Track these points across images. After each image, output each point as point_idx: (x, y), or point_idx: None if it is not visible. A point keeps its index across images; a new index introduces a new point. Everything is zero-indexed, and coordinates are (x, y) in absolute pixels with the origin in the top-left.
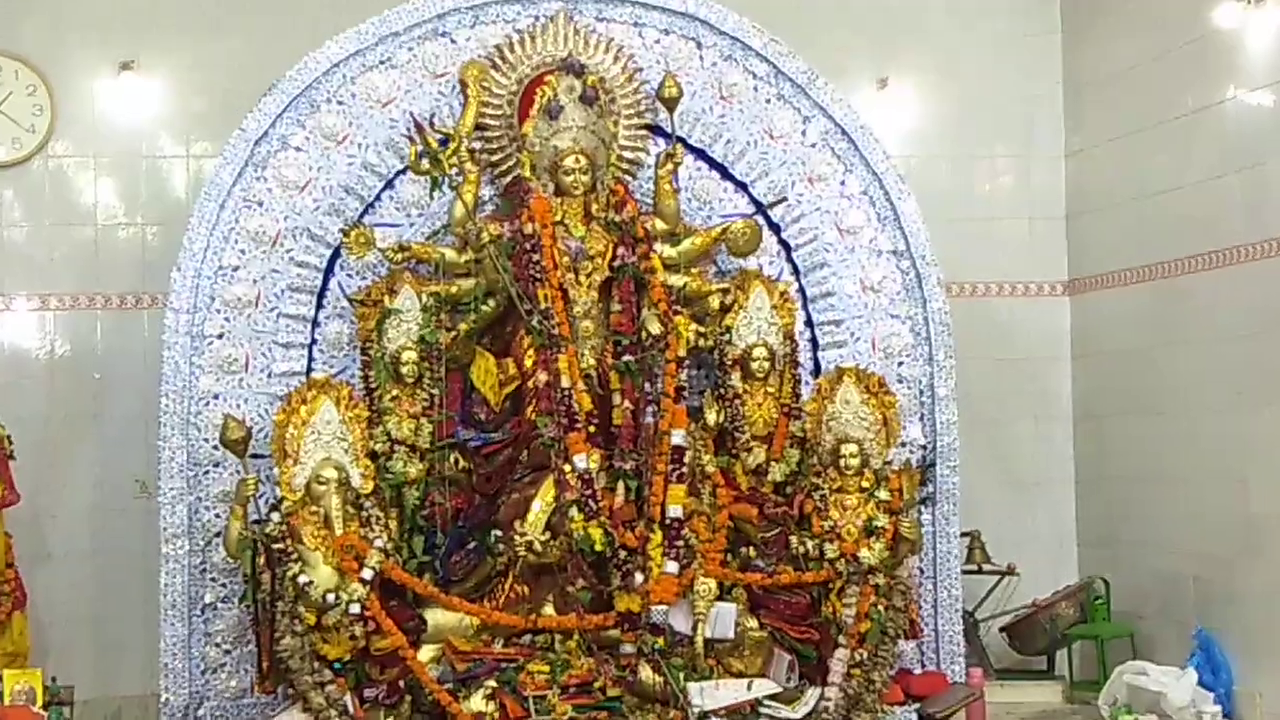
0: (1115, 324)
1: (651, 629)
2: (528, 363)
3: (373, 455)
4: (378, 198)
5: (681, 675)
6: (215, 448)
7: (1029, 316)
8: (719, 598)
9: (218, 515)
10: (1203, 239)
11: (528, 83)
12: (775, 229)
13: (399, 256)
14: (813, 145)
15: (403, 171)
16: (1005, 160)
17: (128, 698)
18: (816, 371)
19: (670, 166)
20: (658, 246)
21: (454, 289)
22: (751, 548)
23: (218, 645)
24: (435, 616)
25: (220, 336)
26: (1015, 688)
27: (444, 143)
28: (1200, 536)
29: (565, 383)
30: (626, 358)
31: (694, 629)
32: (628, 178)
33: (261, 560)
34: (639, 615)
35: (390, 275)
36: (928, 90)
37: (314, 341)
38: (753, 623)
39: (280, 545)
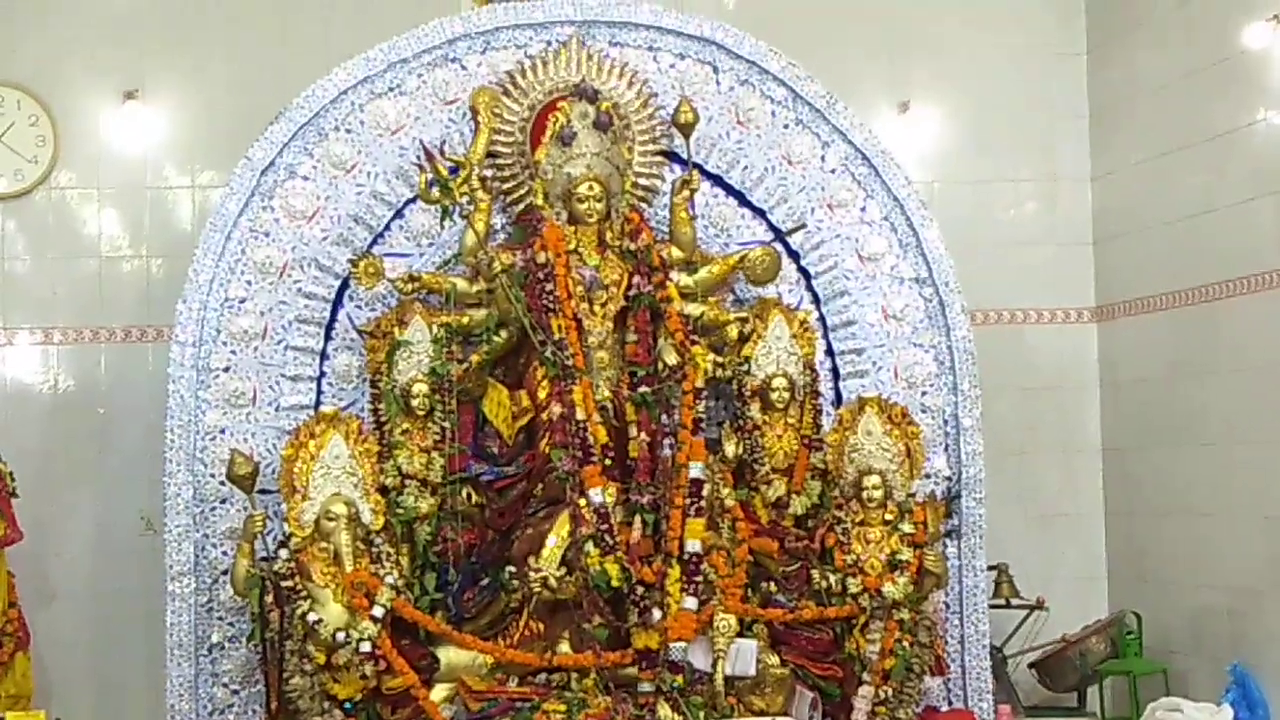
0: (1144, 352)
1: (670, 666)
2: (541, 395)
3: (383, 490)
4: (387, 227)
5: (701, 714)
6: (222, 483)
7: (1055, 344)
8: (739, 634)
9: (225, 552)
10: (1234, 264)
11: (540, 109)
12: (794, 256)
13: (409, 287)
14: (832, 171)
15: (412, 200)
16: (1030, 184)
17: None
18: (838, 402)
19: (686, 193)
20: (674, 275)
21: (465, 320)
22: (772, 583)
23: (225, 685)
24: (448, 655)
25: (226, 370)
26: None
27: (454, 171)
28: (1234, 570)
29: (580, 415)
30: (643, 389)
31: (714, 666)
32: (643, 205)
33: (270, 598)
34: (657, 652)
35: (400, 306)
36: (950, 113)
37: (322, 374)
38: (774, 659)
39: (289, 583)
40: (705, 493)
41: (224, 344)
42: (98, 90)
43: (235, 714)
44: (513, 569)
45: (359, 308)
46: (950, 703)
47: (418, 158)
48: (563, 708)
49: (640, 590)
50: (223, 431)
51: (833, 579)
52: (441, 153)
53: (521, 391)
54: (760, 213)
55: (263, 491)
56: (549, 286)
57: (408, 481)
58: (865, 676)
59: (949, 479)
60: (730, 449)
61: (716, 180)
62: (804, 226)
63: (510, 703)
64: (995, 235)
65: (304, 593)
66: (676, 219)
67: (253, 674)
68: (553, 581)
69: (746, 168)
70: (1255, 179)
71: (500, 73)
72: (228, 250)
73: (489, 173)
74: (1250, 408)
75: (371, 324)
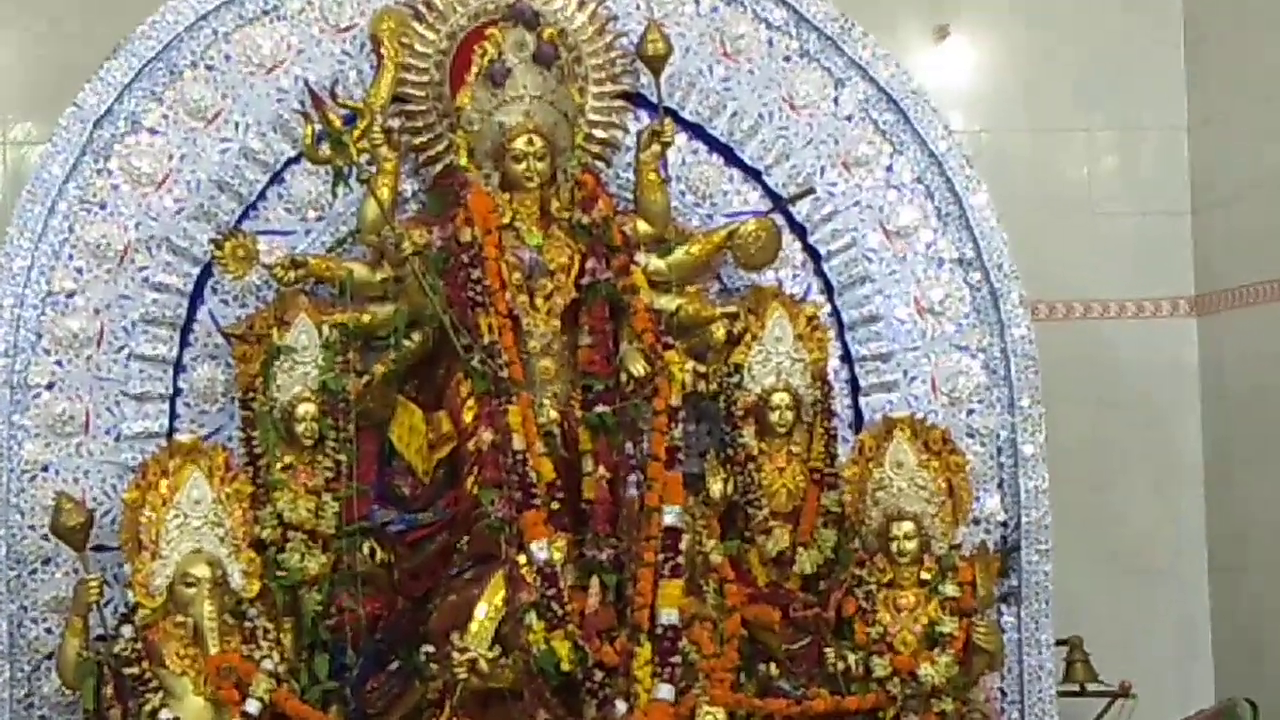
0: (1259, 354)
1: None
2: (467, 417)
3: (259, 545)
4: (262, 195)
5: None
6: (45, 538)
7: (1143, 345)
8: None
9: (49, 630)
10: None
11: (463, 38)
12: (799, 232)
13: (291, 275)
14: (848, 118)
15: (296, 160)
16: (1108, 134)
17: None
18: (858, 425)
19: (657, 148)
20: (640, 257)
21: (366, 318)
22: (773, 664)
23: None
24: None
25: (50, 387)
26: None
27: (350, 120)
28: None
29: (518, 444)
30: (601, 409)
31: None
32: (599, 165)
33: (109, 690)
34: None
35: (280, 301)
36: (1002, 41)
37: (177, 392)
38: None
39: (134, 670)
40: (684, 546)
41: (46, 352)
42: None
43: None
44: (431, 649)
45: (225, 303)
46: None
47: (302, 103)
48: None
49: (599, 675)
50: (45, 469)
51: (853, 659)
52: (333, 97)
53: (441, 413)
54: (754, 174)
55: (99, 549)
56: (476, 273)
57: (291, 534)
58: None
59: (1004, 525)
60: (717, 488)
61: (696, 131)
62: (812, 191)
63: None
64: (1063, 203)
65: (154, 683)
66: (644, 183)
67: None
68: (484, 665)
69: (735, 114)
70: None
71: None
72: (50, 228)
73: (396, 123)
74: None
75: (242, 325)
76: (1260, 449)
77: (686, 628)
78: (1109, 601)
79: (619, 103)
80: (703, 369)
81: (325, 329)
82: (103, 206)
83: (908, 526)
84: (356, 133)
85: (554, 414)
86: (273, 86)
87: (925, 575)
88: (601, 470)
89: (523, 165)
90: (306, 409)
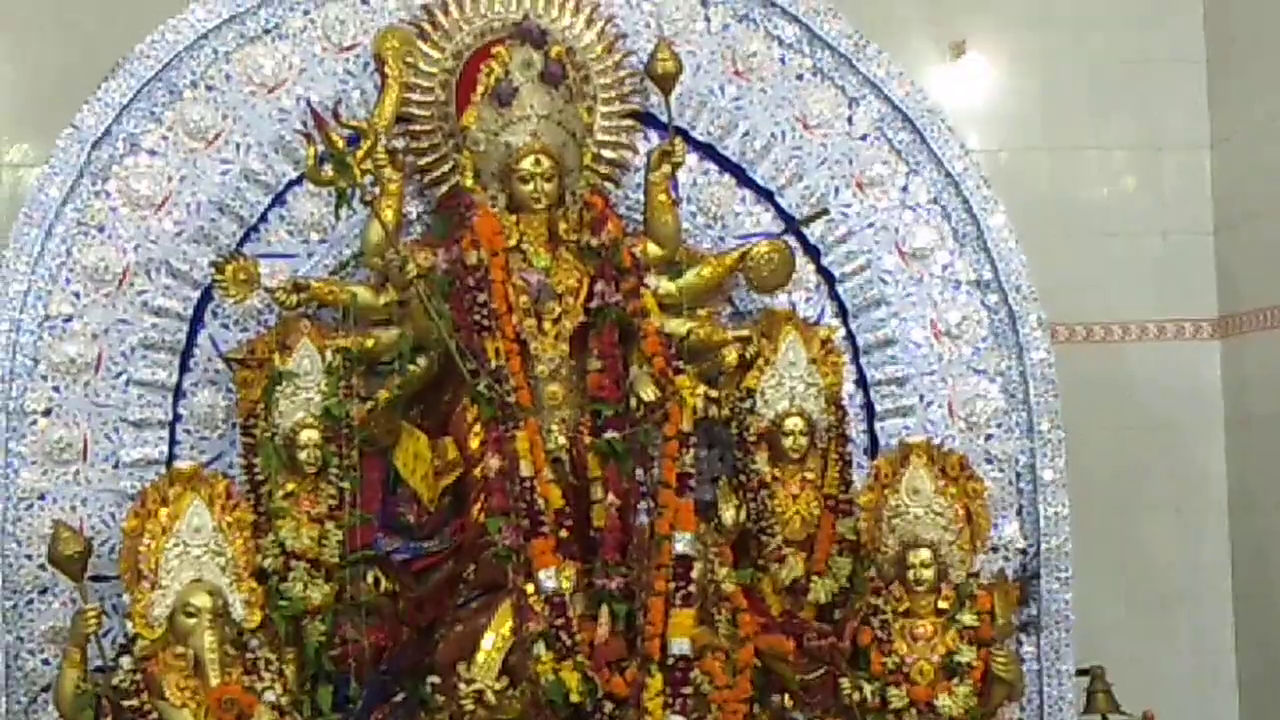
0: None
1: None
2: (473, 444)
3: (261, 575)
4: (263, 218)
5: None
6: (42, 568)
7: (1165, 368)
8: None
9: (46, 661)
10: None
11: (468, 57)
12: (813, 253)
13: (294, 299)
14: (862, 137)
15: (298, 181)
16: (1127, 152)
17: None
18: (873, 451)
19: (667, 169)
20: (650, 280)
21: (370, 343)
22: (787, 695)
23: None
24: None
25: (47, 413)
26: None
27: (354, 141)
28: None
29: (526, 470)
30: (610, 434)
31: None
32: (608, 185)
33: None
34: None
35: (282, 325)
36: (1019, 59)
37: (177, 418)
38: None
39: (133, 701)
40: (695, 574)
41: (43, 378)
42: None
43: None
44: (436, 680)
45: (225, 328)
46: None
47: (304, 124)
48: None
49: (609, 707)
50: (42, 497)
51: (869, 689)
52: (336, 117)
53: (446, 439)
54: (767, 194)
55: (97, 578)
56: (482, 297)
57: (294, 563)
58: None
59: (1024, 552)
60: (729, 515)
61: (707, 151)
62: (826, 213)
63: None
64: (1082, 223)
65: (154, 715)
66: (654, 204)
67: None
68: (491, 696)
69: (747, 134)
70: None
71: (415, 8)
72: (48, 251)
73: (400, 143)
74: None
75: (243, 350)
76: None
77: (698, 658)
78: (1131, 630)
79: (628, 122)
80: (714, 394)
81: (328, 354)
82: (101, 229)
83: (925, 554)
84: (360, 153)
85: (562, 440)
86: (274, 107)
87: (943, 604)
88: (611, 497)
89: (530, 186)
90: (309, 435)
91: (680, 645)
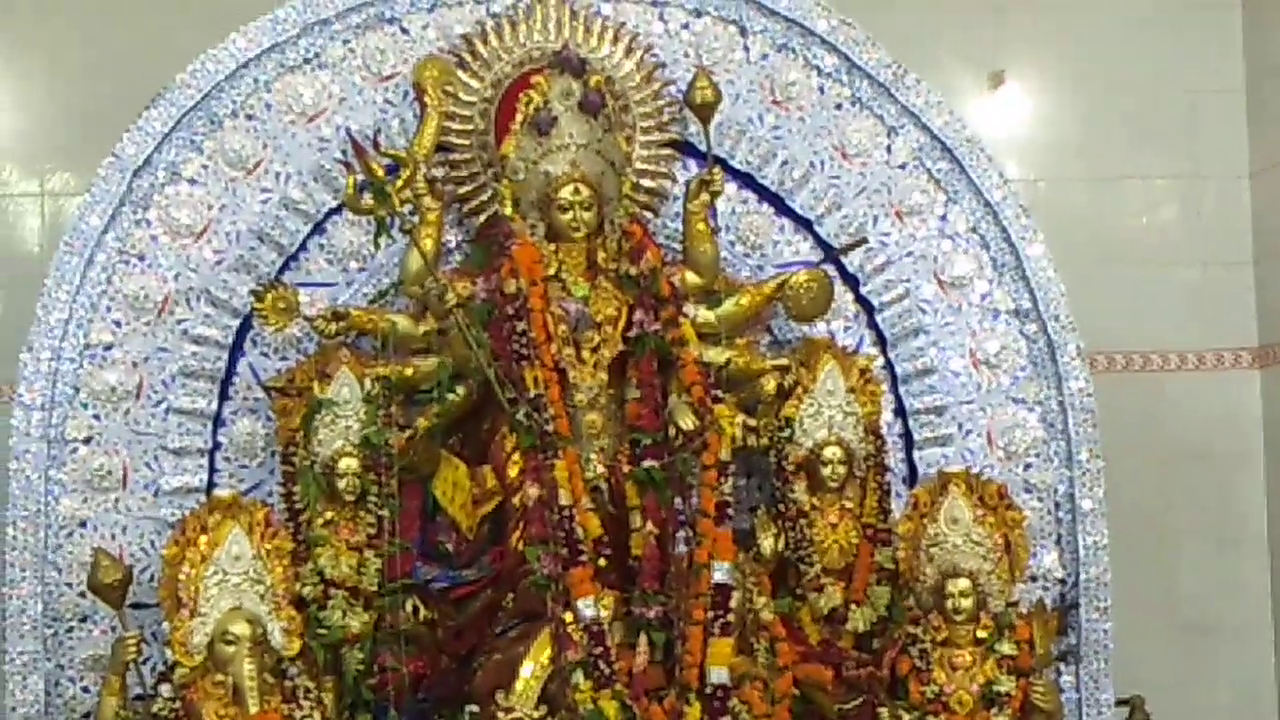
0: None
1: None
2: (512, 472)
3: (300, 603)
4: (303, 246)
5: None
6: (82, 595)
7: (1205, 398)
8: None
9: (86, 689)
10: None
11: (508, 86)
12: (852, 283)
13: (333, 327)
14: (901, 166)
15: (338, 210)
16: (1167, 182)
17: None
18: (912, 480)
19: (705, 198)
20: (689, 309)
21: (409, 371)
22: None
23: None
24: None
25: (87, 441)
26: None
27: (393, 170)
28: None
29: (564, 499)
30: (649, 463)
31: None
32: (647, 214)
33: None
34: None
35: (321, 354)
36: (1058, 88)
37: (217, 446)
38: None
39: None
40: (734, 603)
41: (84, 406)
42: None
43: None
44: (475, 708)
45: (265, 356)
46: None
47: (344, 153)
48: None
49: None
50: (83, 525)
51: (908, 719)
52: (376, 146)
53: (485, 468)
54: (805, 224)
55: (137, 606)
56: (521, 326)
57: (333, 591)
58: None
59: (1063, 582)
60: (768, 544)
61: (746, 180)
62: (864, 242)
63: None
64: (1121, 252)
65: None
66: (693, 233)
67: None
68: None
69: (786, 163)
70: None
71: (454, 37)
72: (88, 279)
73: (439, 172)
74: None
75: (282, 378)
76: None
77: (737, 687)
78: (1171, 660)
79: (667, 151)
80: (753, 423)
81: (367, 382)
82: (141, 258)
83: (963, 584)
84: (399, 182)
85: (601, 469)
86: (314, 136)
87: (981, 633)
88: (650, 526)
89: (569, 215)
90: (348, 464)
91: (719, 674)
